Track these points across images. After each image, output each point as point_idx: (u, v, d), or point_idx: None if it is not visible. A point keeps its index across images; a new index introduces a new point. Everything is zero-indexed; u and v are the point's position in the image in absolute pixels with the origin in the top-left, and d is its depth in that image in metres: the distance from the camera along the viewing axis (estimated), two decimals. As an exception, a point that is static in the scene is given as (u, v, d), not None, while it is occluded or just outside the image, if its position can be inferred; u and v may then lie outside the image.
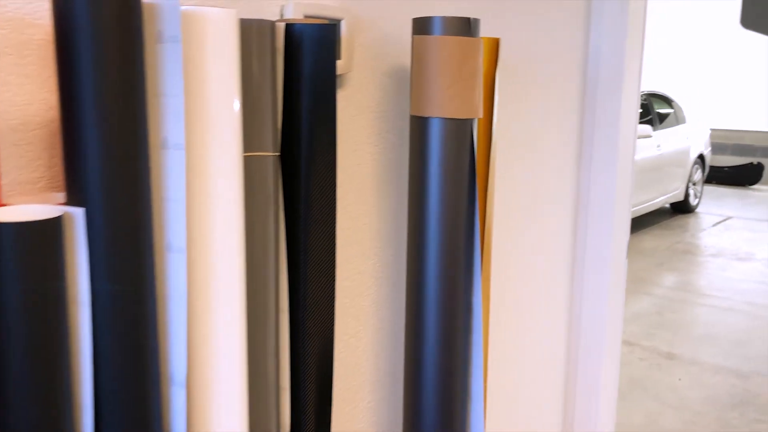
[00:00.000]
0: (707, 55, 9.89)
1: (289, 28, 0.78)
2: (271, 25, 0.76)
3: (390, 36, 1.06)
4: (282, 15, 0.89)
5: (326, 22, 0.80)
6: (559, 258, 1.59)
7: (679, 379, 3.30)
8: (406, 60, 1.09)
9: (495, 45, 1.06)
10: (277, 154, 0.79)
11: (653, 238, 6.35)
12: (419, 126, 0.94)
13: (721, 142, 9.46)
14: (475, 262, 0.98)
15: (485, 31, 1.25)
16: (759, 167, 9.33)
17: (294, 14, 0.89)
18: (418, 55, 0.92)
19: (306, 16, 0.90)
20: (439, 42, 0.90)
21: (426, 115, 0.92)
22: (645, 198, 6.68)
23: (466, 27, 0.90)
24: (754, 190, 9.18)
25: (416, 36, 0.92)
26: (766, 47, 9.39)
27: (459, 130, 0.93)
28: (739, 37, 9.57)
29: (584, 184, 1.61)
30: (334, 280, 0.85)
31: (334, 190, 0.82)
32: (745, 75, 9.62)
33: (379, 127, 1.07)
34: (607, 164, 1.57)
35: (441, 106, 0.91)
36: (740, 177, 9.40)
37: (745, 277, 5.12)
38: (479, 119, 1.07)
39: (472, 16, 1.11)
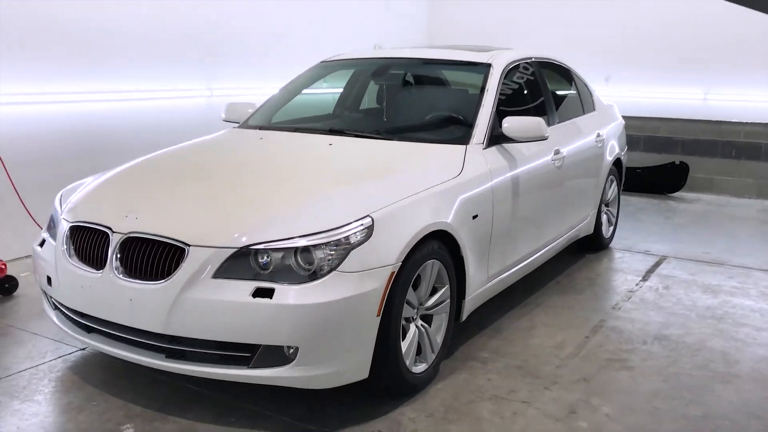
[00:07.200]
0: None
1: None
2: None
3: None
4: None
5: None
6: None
7: None
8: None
9: None
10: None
11: (546, 333, 3.45)
12: None
13: (631, 134, 6.86)
14: None
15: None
16: (683, 169, 6.72)
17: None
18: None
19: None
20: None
21: None
22: (541, 243, 3.83)
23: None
24: (677, 200, 6.60)
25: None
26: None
27: None
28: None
29: None
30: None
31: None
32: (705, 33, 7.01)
33: None
34: None
35: None
36: (658, 182, 6.80)
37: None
38: None
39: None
